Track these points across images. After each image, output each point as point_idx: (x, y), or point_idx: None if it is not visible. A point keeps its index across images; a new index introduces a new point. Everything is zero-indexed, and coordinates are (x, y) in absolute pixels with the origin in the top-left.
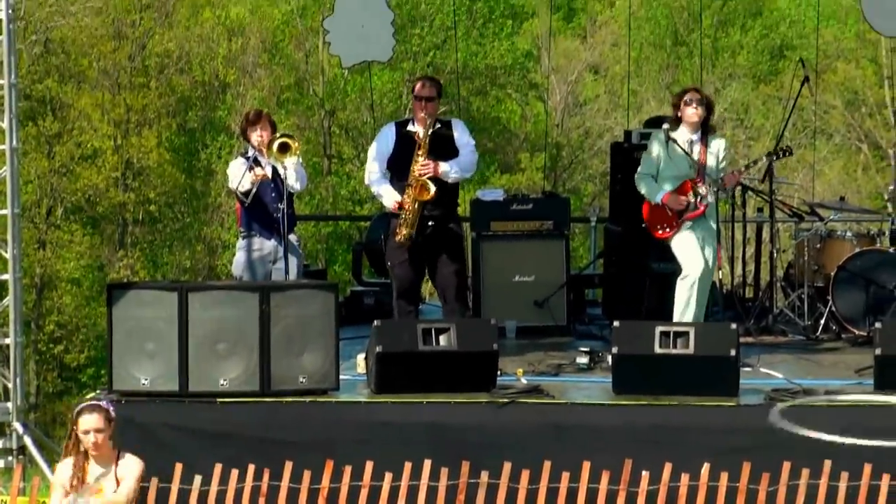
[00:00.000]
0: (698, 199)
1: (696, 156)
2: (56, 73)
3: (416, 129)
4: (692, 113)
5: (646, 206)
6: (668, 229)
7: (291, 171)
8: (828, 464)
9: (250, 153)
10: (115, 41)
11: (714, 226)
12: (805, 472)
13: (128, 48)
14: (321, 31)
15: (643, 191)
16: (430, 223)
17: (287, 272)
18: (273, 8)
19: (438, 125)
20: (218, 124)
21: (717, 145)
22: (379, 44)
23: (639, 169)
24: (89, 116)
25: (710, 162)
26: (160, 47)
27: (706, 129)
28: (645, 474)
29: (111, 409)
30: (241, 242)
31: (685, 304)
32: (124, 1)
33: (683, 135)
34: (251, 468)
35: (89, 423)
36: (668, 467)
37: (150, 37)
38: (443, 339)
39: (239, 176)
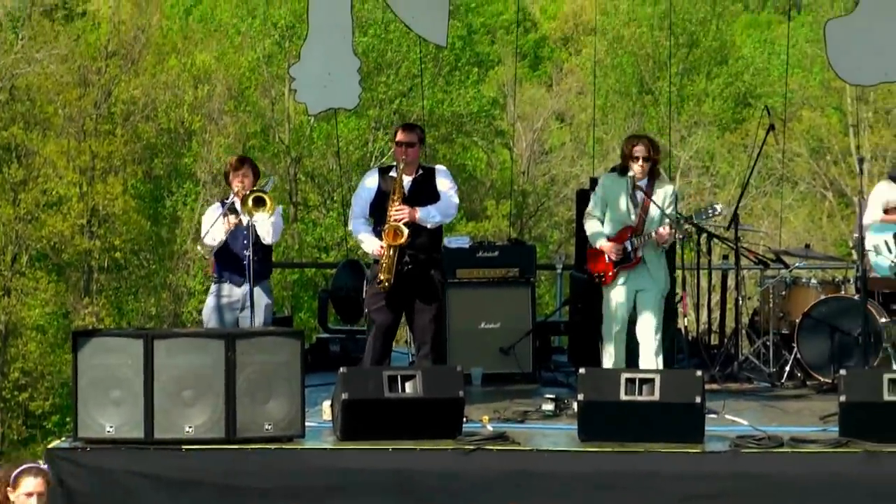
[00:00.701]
0: (633, 250)
1: (639, 203)
2: (21, 121)
3: (397, 174)
4: (638, 169)
5: (589, 252)
6: (604, 278)
7: (266, 224)
8: None
9: (231, 198)
10: (81, 88)
11: (655, 275)
12: None
13: (93, 95)
14: (287, 79)
15: (588, 231)
16: (408, 267)
17: (252, 320)
18: (239, 55)
19: (421, 171)
20: (184, 171)
21: (664, 192)
22: (345, 91)
23: (588, 208)
24: (55, 163)
25: (654, 210)
26: (126, 94)
27: (652, 176)
28: None
29: (49, 473)
30: (212, 287)
31: (607, 361)
32: (90, 48)
33: (631, 181)
34: None
35: (33, 486)
36: None
37: (116, 84)
38: (409, 387)
39: (208, 227)
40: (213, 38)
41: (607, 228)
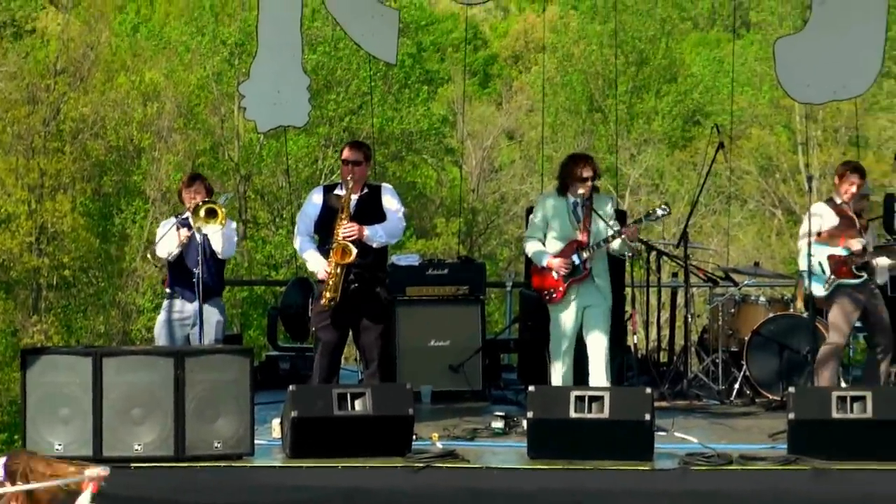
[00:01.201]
0: (583, 262)
1: (581, 218)
2: None
3: (344, 192)
4: (585, 189)
5: (534, 272)
6: (555, 295)
7: (217, 238)
8: None
9: (185, 214)
10: (30, 106)
11: (602, 288)
12: None
13: (42, 113)
14: (236, 96)
15: (529, 253)
16: (353, 285)
17: (201, 337)
18: (188, 73)
19: (366, 190)
20: (133, 189)
21: (603, 205)
22: (294, 109)
23: (526, 232)
24: (3, 181)
25: (597, 224)
26: (75, 112)
27: (592, 189)
28: None
29: None
30: (164, 303)
31: (555, 379)
32: (39, 66)
33: (570, 197)
34: None
35: None
36: None
37: (65, 101)
38: (358, 404)
39: (160, 244)
40: (163, 55)
41: (552, 248)
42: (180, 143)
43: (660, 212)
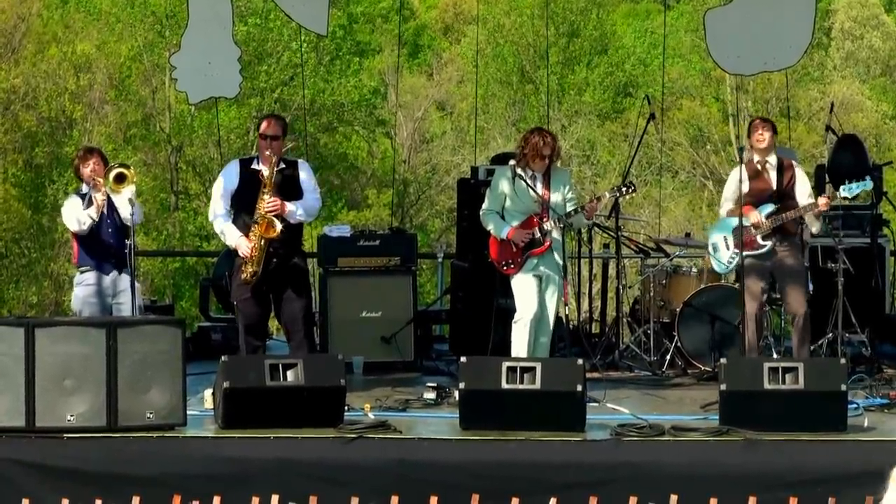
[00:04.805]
0: (543, 235)
1: (540, 191)
2: None
3: (261, 167)
4: (542, 164)
5: (492, 243)
6: (513, 265)
7: (126, 206)
8: (674, 498)
9: (84, 189)
10: None
11: (559, 261)
12: None
13: None
14: (168, 68)
15: (489, 227)
16: (273, 259)
17: (133, 307)
18: (120, 44)
19: (283, 164)
20: (65, 160)
21: (562, 179)
22: (225, 80)
23: (483, 205)
24: None
25: (555, 197)
26: (6, 83)
27: (550, 164)
28: None
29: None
30: (78, 277)
31: (517, 344)
32: None
33: (528, 171)
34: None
35: None
36: (514, 502)
37: None
38: (290, 375)
39: (74, 217)
40: (94, 26)
41: (511, 221)
42: (112, 115)
43: (626, 189)
